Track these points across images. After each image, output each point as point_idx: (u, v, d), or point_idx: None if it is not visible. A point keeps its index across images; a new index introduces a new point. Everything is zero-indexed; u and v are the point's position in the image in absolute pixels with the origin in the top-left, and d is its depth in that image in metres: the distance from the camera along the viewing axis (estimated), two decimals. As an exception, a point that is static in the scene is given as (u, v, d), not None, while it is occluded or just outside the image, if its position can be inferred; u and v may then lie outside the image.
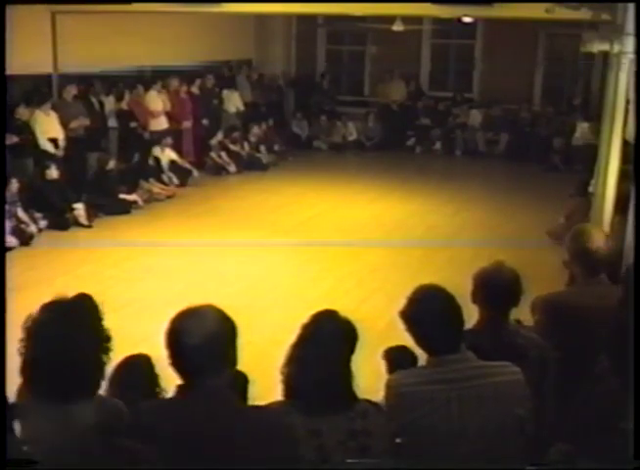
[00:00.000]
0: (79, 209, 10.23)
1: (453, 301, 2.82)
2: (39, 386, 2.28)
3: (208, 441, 2.33)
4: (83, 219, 10.22)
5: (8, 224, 9.12)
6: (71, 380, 2.33)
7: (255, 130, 14.69)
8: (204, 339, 2.36)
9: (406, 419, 2.71)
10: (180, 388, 2.46)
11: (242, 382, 3.76)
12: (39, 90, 11.33)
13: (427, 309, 2.79)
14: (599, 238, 3.73)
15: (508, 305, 3.35)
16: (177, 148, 13.09)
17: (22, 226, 9.47)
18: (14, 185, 9.50)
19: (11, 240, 9.03)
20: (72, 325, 2.49)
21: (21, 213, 9.58)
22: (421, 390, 2.73)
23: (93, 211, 10.43)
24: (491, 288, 3.32)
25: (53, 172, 10.25)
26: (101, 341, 2.56)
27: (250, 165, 14.02)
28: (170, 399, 2.52)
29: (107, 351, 2.57)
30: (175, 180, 12.50)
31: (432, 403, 2.70)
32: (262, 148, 14.56)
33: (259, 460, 2.36)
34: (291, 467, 2.42)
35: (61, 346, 2.43)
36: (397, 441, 2.75)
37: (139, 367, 3.26)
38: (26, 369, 2.45)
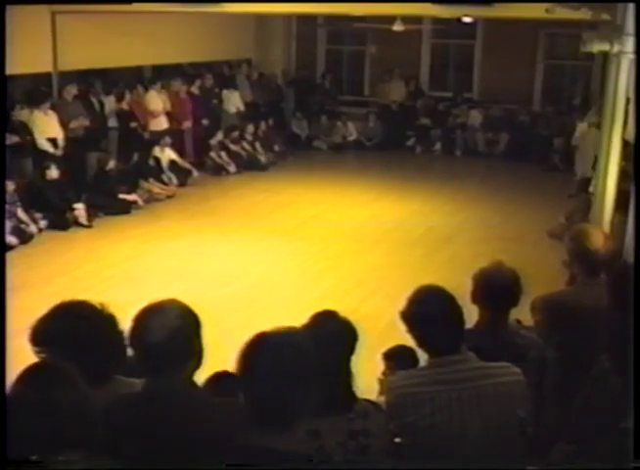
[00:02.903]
0: (79, 209, 10.23)
1: (454, 301, 2.81)
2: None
3: (176, 435, 2.34)
4: (83, 219, 10.22)
5: (8, 224, 9.12)
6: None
7: (255, 130, 14.69)
8: (166, 336, 2.37)
9: (407, 420, 2.71)
10: (147, 382, 2.47)
11: (231, 383, 3.75)
12: (39, 90, 11.33)
13: (427, 310, 2.78)
14: (598, 238, 3.73)
15: (508, 305, 3.35)
16: (177, 148, 13.08)
17: (22, 226, 9.48)
18: (10, 186, 9.50)
19: (11, 239, 9.04)
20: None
21: (20, 214, 9.57)
22: (422, 391, 2.72)
23: (93, 211, 10.43)
24: (491, 288, 3.32)
25: (53, 172, 10.26)
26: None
27: (249, 165, 14.02)
28: (137, 393, 2.52)
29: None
30: (175, 180, 12.49)
31: (432, 404, 2.69)
32: (262, 148, 14.55)
33: (229, 452, 2.36)
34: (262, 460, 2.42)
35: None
36: (397, 441, 2.75)
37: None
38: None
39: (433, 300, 2.82)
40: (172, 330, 2.38)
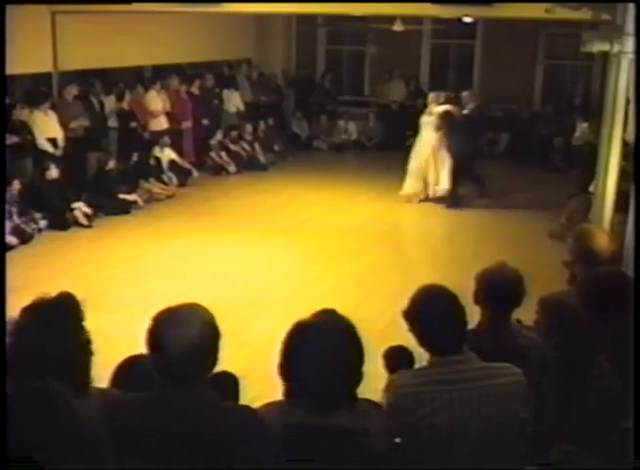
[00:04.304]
0: (78, 208, 10.21)
1: (457, 301, 2.81)
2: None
3: (190, 440, 2.34)
4: (83, 219, 10.21)
5: (8, 224, 9.11)
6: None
7: (255, 130, 14.70)
8: (188, 347, 2.34)
9: (408, 419, 2.70)
10: (162, 386, 2.45)
11: (231, 383, 3.75)
12: (38, 90, 11.34)
13: (430, 310, 2.78)
14: (602, 239, 3.72)
15: (510, 305, 3.35)
16: (177, 148, 13.09)
17: (23, 226, 9.47)
18: (15, 186, 9.50)
19: (11, 240, 9.03)
20: (53, 327, 2.48)
21: (15, 217, 9.50)
22: (423, 390, 2.72)
23: (93, 211, 10.42)
24: (494, 289, 3.32)
25: (53, 172, 10.25)
26: (82, 343, 2.55)
27: (249, 165, 14.02)
28: (150, 395, 2.49)
29: (89, 353, 2.56)
30: (175, 180, 12.49)
31: (433, 404, 2.69)
32: (262, 148, 14.55)
33: (240, 458, 2.36)
34: (275, 465, 2.42)
35: (42, 348, 2.43)
36: (397, 441, 2.74)
37: (141, 367, 3.25)
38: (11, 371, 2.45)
39: (436, 299, 2.82)
40: (196, 343, 2.35)
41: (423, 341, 2.82)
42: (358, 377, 2.34)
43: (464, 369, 2.74)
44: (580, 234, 3.80)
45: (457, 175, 11.45)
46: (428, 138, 11.65)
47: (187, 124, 13.62)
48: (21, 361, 2.40)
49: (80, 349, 2.54)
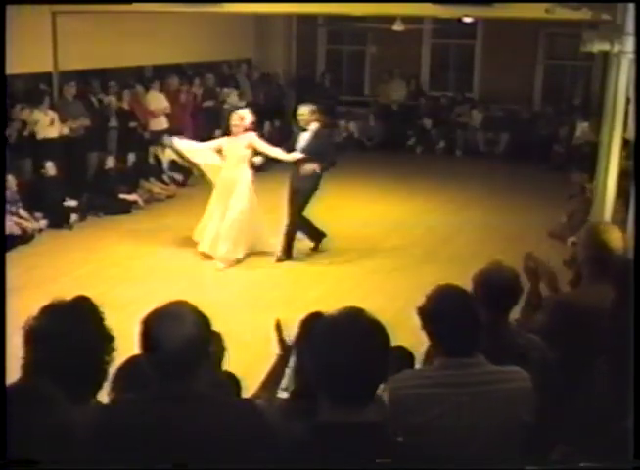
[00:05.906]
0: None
1: (474, 303, 2.78)
2: (42, 388, 2.28)
3: (190, 436, 2.34)
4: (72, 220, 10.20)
5: (8, 222, 9.11)
6: (73, 381, 2.33)
7: (255, 130, 14.67)
8: (182, 344, 2.35)
9: (414, 420, 2.67)
10: (159, 384, 2.44)
11: (233, 383, 3.75)
12: (38, 89, 11.34)
13: (447, 309, 2.74)
14: (618, 239, 3.66)
15: (508, 304, 3.34)
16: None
17: (24, 225, 9.46)
18: (12, 182, 9.50)
19: (13, 231, 9.04)
20: (74, 326, 2.49)
21: (15, 216, 9.52)
22: (432, 392, 2.68)
23: (94, 212, 10.44)
24: (491, 289, 3.30)
25: (49, 171, 10.23)
26: (104, 341, 2.56)
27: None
28: (148, 394, 2.48)
29: (110, 351, 2.57)
30: (176, 180, 12.49)
31: (442, 406, 2.67)
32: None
33: (242, 457, 2.36)
34: (276, 462, 2.42)
35: (62, 347, 2.43)
36: (399, 440, 2.73)
37: (143, 367, 3.25)
38: (28, 371, 2.45)
39: (454, 299, 2.78)
40: (190, 338, 2.36)
41: (435, 340, 2.78)
42: (385, 372, 2.32)
43: (474, 373, 2.70)
44: (596, 233, 3.72)
45: (293, 220, 9.12)
46: (237, 171, 9.14)
47: (187, 124, 13.61)
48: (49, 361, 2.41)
49: (98, 347, 2.56)
